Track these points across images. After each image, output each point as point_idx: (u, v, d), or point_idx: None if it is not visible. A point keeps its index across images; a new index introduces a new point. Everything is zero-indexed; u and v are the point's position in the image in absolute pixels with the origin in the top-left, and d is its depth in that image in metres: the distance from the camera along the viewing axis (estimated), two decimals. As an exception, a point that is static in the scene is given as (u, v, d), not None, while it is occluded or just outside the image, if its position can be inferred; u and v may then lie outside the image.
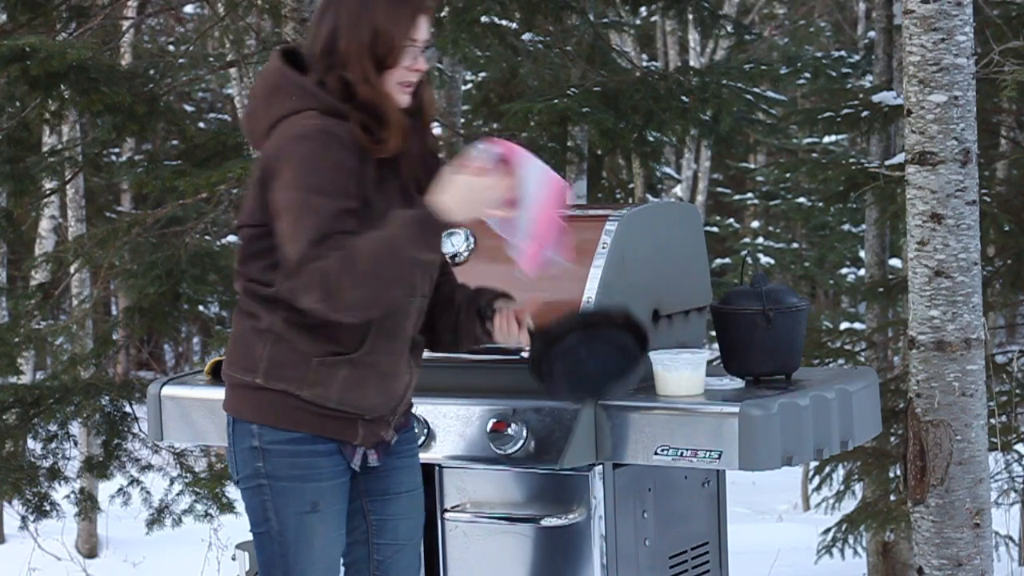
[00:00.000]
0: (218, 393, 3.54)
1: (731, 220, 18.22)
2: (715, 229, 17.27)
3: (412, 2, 3.20)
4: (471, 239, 4.02)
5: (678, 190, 15.99)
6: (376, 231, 3.10)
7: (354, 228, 3.11)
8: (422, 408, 3.84)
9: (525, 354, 3.82)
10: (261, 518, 3.32)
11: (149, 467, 7.45)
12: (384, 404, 3.33)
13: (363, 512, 3.45)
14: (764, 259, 15.86)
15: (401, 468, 3.46)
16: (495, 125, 10.84)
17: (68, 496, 7.38)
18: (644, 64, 12.95)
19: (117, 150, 13.80)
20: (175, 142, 9.09)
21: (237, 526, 5.32)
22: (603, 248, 3.87)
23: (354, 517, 3.45)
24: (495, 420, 3.74)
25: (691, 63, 14.63)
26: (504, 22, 8.33)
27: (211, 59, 11.84)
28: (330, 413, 3.28)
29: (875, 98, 7.63)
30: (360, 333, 3.24)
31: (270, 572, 3.34)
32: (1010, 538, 8.05)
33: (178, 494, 7.49)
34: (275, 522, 3.31)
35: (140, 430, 7.20)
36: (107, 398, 7.03)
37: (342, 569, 3.49)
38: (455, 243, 3.98)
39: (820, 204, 13.69)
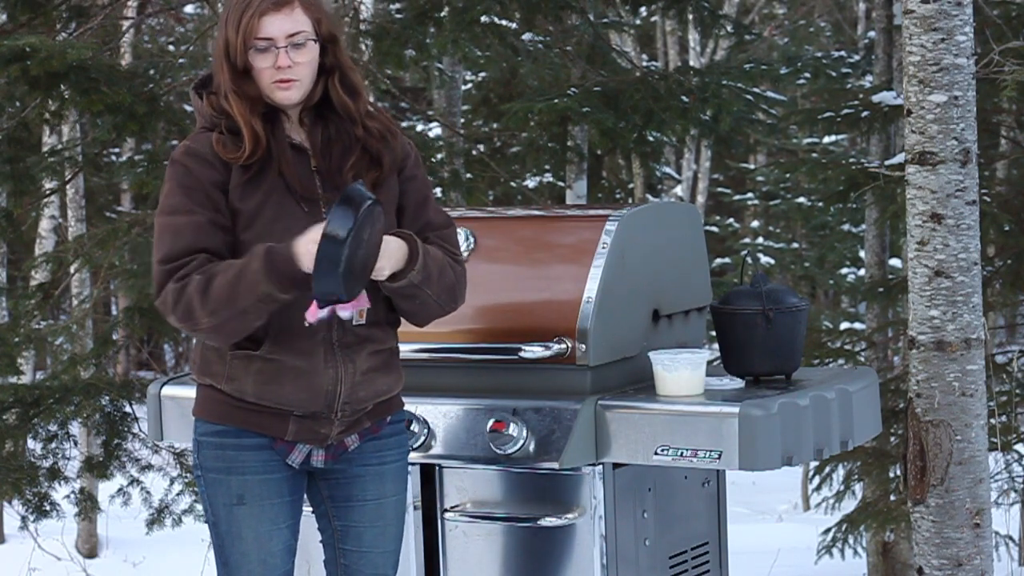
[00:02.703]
0: (218, 393, 3.54)
1: (731, 220, 18.23)
2: (715, 229, 17.28)
3: (252, 5, 3.30)
4: (471, 239, 4.02)
5: (678, 190, 16.00)
6: (234, 263, 3.21)
7: (212, 242, 3.26)
8: (422, 408, 3.85)
9: (525, 354, 3.83)
10: (204, 508, 3.45)
11: (149, 467, 7.45)
12: (310, 400, 3.33)
13: (328, 517, 3.50)
14: (764, 259, 15.86)
15: (366, 476, 3.46)
16: (495, 125, 10.84)
17: (68, 496, 7.38)
18: (644, 64, 12.95)
19: (117, 150, 13.80)
20: (175, 142, 9.08)
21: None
22: (603, 248, 3.87)
23: (320, 520, 3.52)
24: (495, 420, 3.74)
25: (691, 63, 14.64)
26: (504, 22, 8.33)
27: (211, 59, 11.83)
28: (252, 407, 3.34)
29: (875, 98, 7.63)
30: (263, 329, 3.30)
31: (216, 559, 3.44)
32: (1010, 538, 8.05)
33: (178, 494, 7.50)
34: (210, 513, 3.42)
35: (140, 430, 7.20)
36: (107, 398, 7.03)
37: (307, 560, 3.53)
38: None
39: (820, 204, 13.69)
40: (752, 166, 17.74)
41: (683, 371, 3.76)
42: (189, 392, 4.08)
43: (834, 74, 11.36)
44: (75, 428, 7.41)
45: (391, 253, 3.26)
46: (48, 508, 7.05)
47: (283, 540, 3.40)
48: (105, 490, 9.02)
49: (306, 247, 3.14)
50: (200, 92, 3.40)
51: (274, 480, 3.38)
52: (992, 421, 6.57)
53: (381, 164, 3.39)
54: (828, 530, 7.89)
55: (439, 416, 3.85)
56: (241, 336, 3.26)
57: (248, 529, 3.37)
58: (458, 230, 3.62)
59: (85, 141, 8.53)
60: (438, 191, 8.06)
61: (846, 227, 14.80)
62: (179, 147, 3.35)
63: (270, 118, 3.34)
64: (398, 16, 8.80)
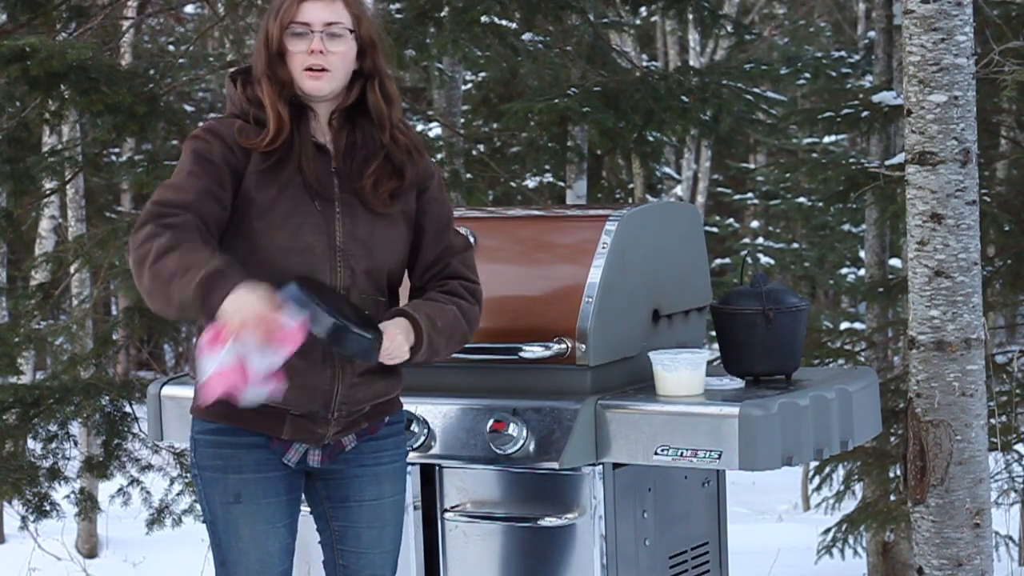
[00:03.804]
0: (218, 393, 3.54)
1: (731, 220, 18.23)
2: (715, 229, 17.28)
3: None
4: (471, 239, 4.02)
5: (678, 190, 16.01)
6: (197, 252, 3.16)
7: (206, 209, 3.25)
8: (422, 408, 3.85)
9: (525, 354, 3.83)
10: (202, 507, 3.45)
11: (149, 467, 7.44)
12: (306, 399, 3.33)
13: (326, 517, 3.51)
14: (764, 259, 15.87)
15: (363, 476, 3.47)
16: (495, 125, 10.84)
17: (68, 496, 7.37)
18: (644, 64, 12.95)
19: (117, 150, 13.80)
20: (175, 142, 9.08)
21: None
22: (603, 248, 3.87)
23: (319, 521, 3.53)
24: (495, 420, 3.74)
25: (691, 63, 14.64)
26: (504, 22, 8.32)
27: (211, 59, 11.84)
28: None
29: (875, 98, 7.63)
30: None
31: (214, 558, 3.44)
32: (1010, 538, 8.05)
33: (178, 494, 7.50)
34: (207, 511, 3.42)
35: (140, 430, 7.19)
36: (107, 398, 7.03)
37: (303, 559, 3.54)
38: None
39: (820, 204, 13.68)
40: (752, 166, 17.75)
41: (683, 371, 3.76)
42: (189, 392, 4.08)
43: (834, 74, 11.37)
44: (75, 428, 7.40)
45: (399, 343, 3.29)
46: (48, 508, 7.05)
47: (280, 539, 3.40)
48: (105, 490, 9.02)
49: (233, 307, 3.07)
50: (235, 80, 3.43)
51: (271, 479, 3.38)
52: (992, 421, 6.57)
53: (403, 175, 3.40)
54: (828, 530, 7.89)
55: (439, 416, 3.85)
56: (167, 316, 3.26)
57: (245, 528, 3.37)
58: (458, 230, 3.63)
59: (85, 141, 8.52)
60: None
61: (846, 227, 14.81)
62: (204, 126, 3.39)
63: (298, 113, 3.36)
64: (398, 16, 8.79)
